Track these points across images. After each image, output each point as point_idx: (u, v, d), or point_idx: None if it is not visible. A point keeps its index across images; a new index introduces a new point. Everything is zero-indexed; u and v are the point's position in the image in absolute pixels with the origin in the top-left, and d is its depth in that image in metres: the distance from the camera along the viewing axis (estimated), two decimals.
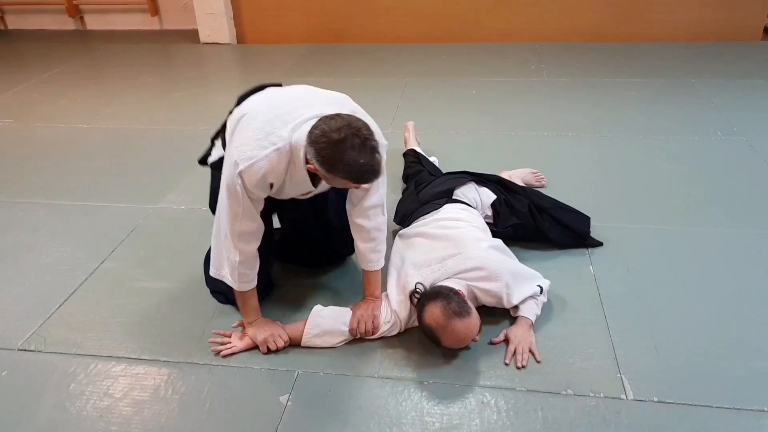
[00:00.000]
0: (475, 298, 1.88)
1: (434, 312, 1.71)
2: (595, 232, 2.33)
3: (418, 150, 2.80)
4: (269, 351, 1.84)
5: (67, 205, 2.77)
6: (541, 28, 4.81)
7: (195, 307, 2.07)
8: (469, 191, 2.27)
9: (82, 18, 5.83)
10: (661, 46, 4.58)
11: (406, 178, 2.64)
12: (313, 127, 1.53)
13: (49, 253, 2.42)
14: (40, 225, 2.61)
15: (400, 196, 2.50)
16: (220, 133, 1.91)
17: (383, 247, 1.93)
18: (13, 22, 5.96)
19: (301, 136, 1.58)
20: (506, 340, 1.85)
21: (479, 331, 1.77)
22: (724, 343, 1.82)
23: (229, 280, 1.80)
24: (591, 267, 2.18)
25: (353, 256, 2.24)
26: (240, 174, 1.61)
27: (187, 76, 4.49)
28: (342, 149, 1.48)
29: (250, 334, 1.86)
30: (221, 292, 2.06)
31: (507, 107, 3.64)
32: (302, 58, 4.74)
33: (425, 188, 2.33)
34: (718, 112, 3.43)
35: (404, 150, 2.88)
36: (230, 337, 1.90)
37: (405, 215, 2.25)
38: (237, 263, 1.75)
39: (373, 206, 1.84)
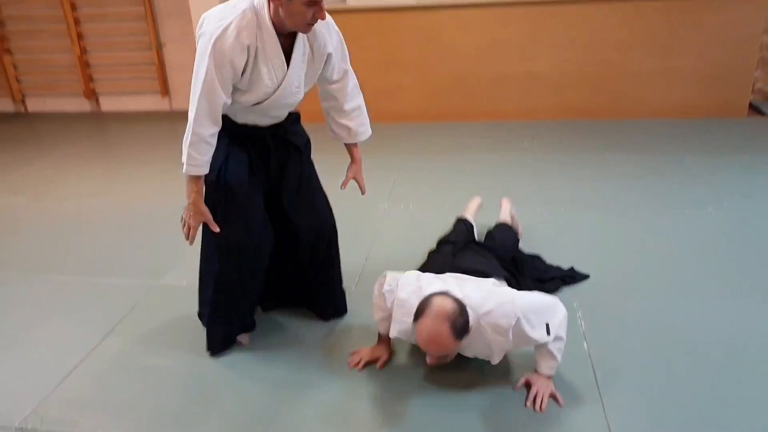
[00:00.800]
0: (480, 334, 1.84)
1: (435, 302, 1.77)
2: (589, 306, 2.37)
3: (471, 221, 2.75)
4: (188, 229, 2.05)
5: (71, 281, 2.84)
6: (534, 106, 5.01)
7: (195, 387, 2.10)
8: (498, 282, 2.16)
9: (97, 100, 6.12)
10: (652, 123, 4.75)
11: (445, 241, 2.54)
12: None
13: (50, 329, 2.47)
14: (43, 301, 2.68)
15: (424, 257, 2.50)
16: None
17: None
18: (33, 105, 6.25)
19: None
20: (527, 384, 1.95)
21: (452, 358, 1.84)
22: (716, 409, 1.82)
23: (189, 164, 1.95)
24: (585, 344, 2.21)
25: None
26: (215, 43, 1.75)
27: None
28: None
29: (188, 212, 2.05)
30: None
31: (500, 183, 3.75)
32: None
33: (462, 255, 2.34)
34: (709, 187, 3.52)
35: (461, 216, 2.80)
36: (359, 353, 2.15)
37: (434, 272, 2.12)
38: (188, 144, 1.91)
39: (354, 85, 2.23)
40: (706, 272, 2.64)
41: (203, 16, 1.87)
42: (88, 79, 5.96)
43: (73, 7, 5.70)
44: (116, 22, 5.73)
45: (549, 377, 1.95)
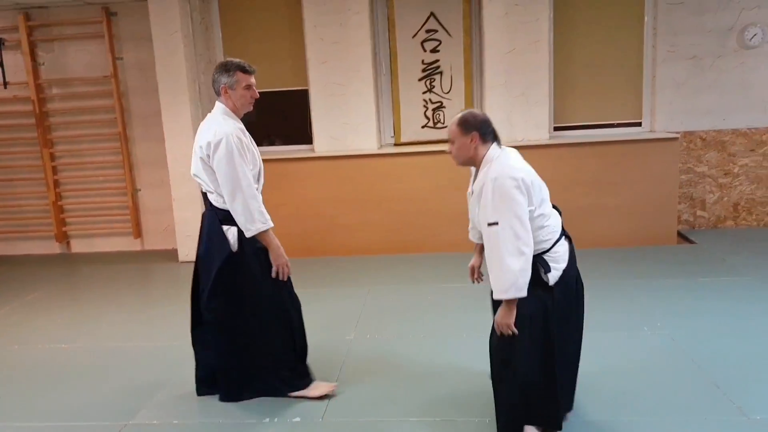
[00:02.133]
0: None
1: None
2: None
3: None
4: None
5: (37, 428, 2.87)
6: None
7: None
8: None
9: (68, 242, 6.32)
10: (591, 252, 5.18)
11: None
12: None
13: None
14: None
15: None
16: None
17: None
18: (2, 249, 6.38)
19: (218, 104, 2.85)
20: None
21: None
22: None
23: (264, 221, 2.69)
24: None
25: None
26: (233, 139, 2.66)
27: (165, 294, 4.83)
28: (218, 63, 2.83)
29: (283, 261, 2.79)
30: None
31: (459, 310, 4.02)
32: None
33: None
34: (644, 310, 3.87)
35: None
36: None
37: None
38: (260, 205, 2.68)
39: None
40: (644, 388, 2.88)
41: (209, 137, 2.67)
42: (61, 223, 6.19)
43: (52, 157, 6.08)
44: (93, 170, 6.11)
45: (504, 307, 2.30)
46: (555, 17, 5.40)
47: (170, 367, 3.45)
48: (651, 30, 5.47)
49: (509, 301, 2.29)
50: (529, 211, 2.31)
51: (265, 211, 2.70)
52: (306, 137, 5.84)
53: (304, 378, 2.99)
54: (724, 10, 5.34)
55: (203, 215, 2.89)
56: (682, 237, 5.51)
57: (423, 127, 5.75)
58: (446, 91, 5.65)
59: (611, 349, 3.33)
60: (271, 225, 2.73)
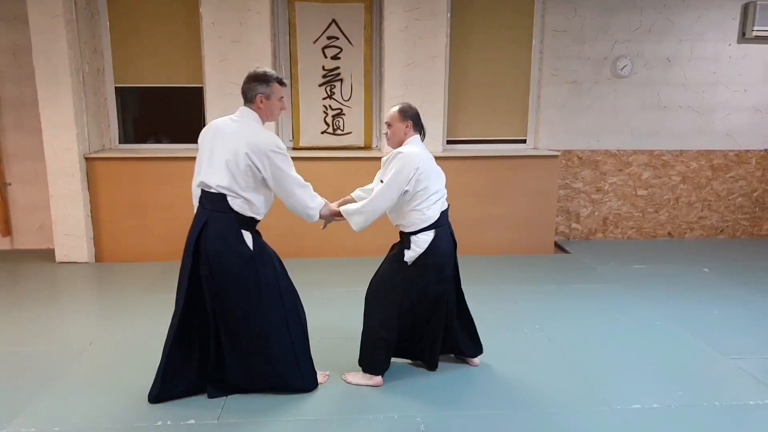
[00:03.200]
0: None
1: None
2: (431, 418, 2.68)
3: None
4: None
5: None
6: (383, 244, 5.56)
7: None
8: None
9: None
10: (478, 259, 5.48)
11: None
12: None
13: None
14: None
15: None
16: None
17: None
18: None
19: (247, 110, 2.95)
20: None
21: None
22: None
23: (320, 203, 2.99)
24: None
25: None
26: (279, 143, 2.86)
27: (42, 296, 4.49)
28: (254, 72, 2.93)
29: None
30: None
31: (355, 311, 4.09)
32: (161, 275, 4.98)
33: None
34: (524, 312, 4.16)
35: None
36: None
37: None
38: (314, 194, 2.98)
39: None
40: (521, 383, 3.12)
41: (262, 144, 2.80)
42: None
43: None
44: None
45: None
46: (452, 35, 5.67)
47: (49, 372, 3.22)
48: (538, 53, 5.90)
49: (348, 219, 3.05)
50: (405, 191, 2.94)
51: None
52: (197, 136, 5.65)
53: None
54: (600, 40, 5.88)
55: (205, 221, 2.83)
56: (559, 247, 5.98)
57: (323, 132, 5.79)
58: (346, 99, 5.74)
59: (494, 347, 3.54)
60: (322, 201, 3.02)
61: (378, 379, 3.11)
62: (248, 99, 2.88)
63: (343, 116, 5.78)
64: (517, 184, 5.62)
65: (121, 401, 2.94)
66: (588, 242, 6.17)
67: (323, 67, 5.67)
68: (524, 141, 6.07)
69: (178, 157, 5.33)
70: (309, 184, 2.95)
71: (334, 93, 5.72)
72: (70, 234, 5.28)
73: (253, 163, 2.75)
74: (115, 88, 5.61)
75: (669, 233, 6.33)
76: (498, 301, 4.41)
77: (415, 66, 5.47)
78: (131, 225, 5.37)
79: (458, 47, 5.77)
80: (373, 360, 3.11)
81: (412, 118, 3.04)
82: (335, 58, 5.66)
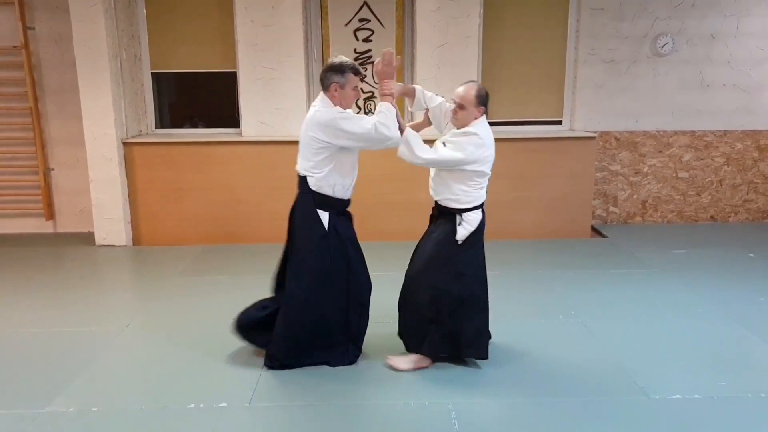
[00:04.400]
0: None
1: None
2: (464, 405, 2.66)
3: None
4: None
5: None
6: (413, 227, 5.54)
7: None
8: None
9: None
10: (513, 243, 5.40)
11: None
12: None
13: None
14: None
15: None
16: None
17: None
18: None
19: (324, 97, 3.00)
20: None
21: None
22: None
23: (396, 133, 2.92)
24: None
25: None
26: (337, 112, 2.92)
27: (82, 278, 4.62)
28: (331, 62, 2.98)
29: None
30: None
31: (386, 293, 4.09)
32: (197, 258, 5.06)
33: None
34: (559, 298, 4.08)
35: None
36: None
37: None
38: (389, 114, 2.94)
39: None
40: (557, 371, 3.07)
41: (320, 118, 2.92)
42: None
43: None
44: (1, 147, 5.72)
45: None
46: (485, 14, 5.54)
47: (88, 352, 3.31)
48: (574, 32, 5.73)
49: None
50: (469, 168, 2.92)
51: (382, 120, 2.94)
52: (233, 121, 5.72)
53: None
54: (640, 18, 5.67)
55: (294, 202, 3.09)
56: (596, 231, 5.85)
57: None
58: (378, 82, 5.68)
59: (528, 334, 3.50)
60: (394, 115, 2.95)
61: (429, 360, 3.12)
62: (324, 87, 2.99)
63: (374, 99, 5.73)
64: (553, 166, 5.49)
65: (155, 383, 3.01)
66: (626, 226, 6.02)
67: (355, 50, 5.62)
68: (560, 122, 5.92)
69: (213, 142, 5.38)
70: (377, 119, 2.91)
71: (366, 76, 5.67)
72: (109, 217, 5.40)
73: (319, 138, 2.92)
74: (152, 73, 5.69)
75: (712, 217, 6.12)
76: (532, 286, 4.34)
77: (447, 47, 5.37)
78: (168, 209, 5.46)
79: (491, 27, 5.64)
80: (434, 344, 3.05)
81: (485, 104, 3.00)
82: (367, 40, 5.61)
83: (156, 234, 5.51)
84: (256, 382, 2.99)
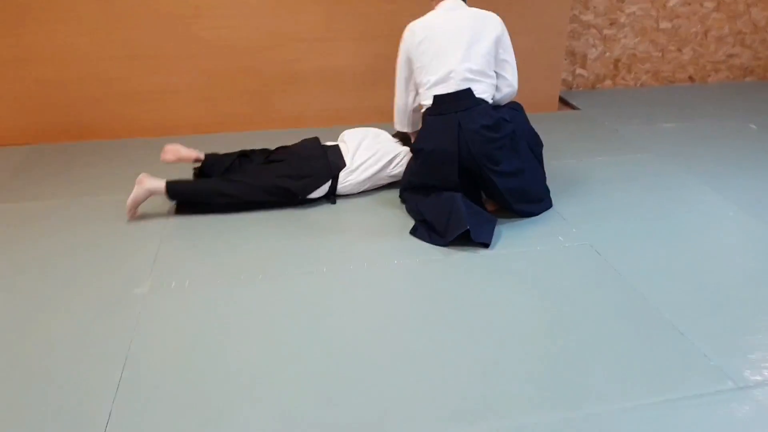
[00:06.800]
0: None
1: None
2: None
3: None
4: None
5: None
6: (337, 112, 4.15)
7: None
8: None
9: None
10: None
11: None
12: None
13: None
14: None
15: None
16: None
17: None
18: None
19: None
20: None
21: None
22: None
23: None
24: None
25: None
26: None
27: None
28: None
29: None
30: None
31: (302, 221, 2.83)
32: (20, 166, 3.45)
33: None
34: (549, 210, 2.97)
35: None
36: None
37: None
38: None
39: None
40: (581, 315, 2.00)
41: None
42: None
43: None
44: None
45: None
46: None
47: None
48: None
49: None
50: None
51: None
52: None
53: None
54: None
55: None
56: (563, 101, 4.70)
57: None
58: None
59: (524, 271, 2.40)
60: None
61: None
62: None
63: None
64: (510, 18, 4.12)
65: None
66: (595, 92, 4.91)
67: None
68: None
69: None
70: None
71: None
72: None
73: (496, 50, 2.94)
74: None
75: (690, 77, 5.12)
76: None
77: None
78: None
79: None
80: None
81: None
82: None
83: None
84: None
